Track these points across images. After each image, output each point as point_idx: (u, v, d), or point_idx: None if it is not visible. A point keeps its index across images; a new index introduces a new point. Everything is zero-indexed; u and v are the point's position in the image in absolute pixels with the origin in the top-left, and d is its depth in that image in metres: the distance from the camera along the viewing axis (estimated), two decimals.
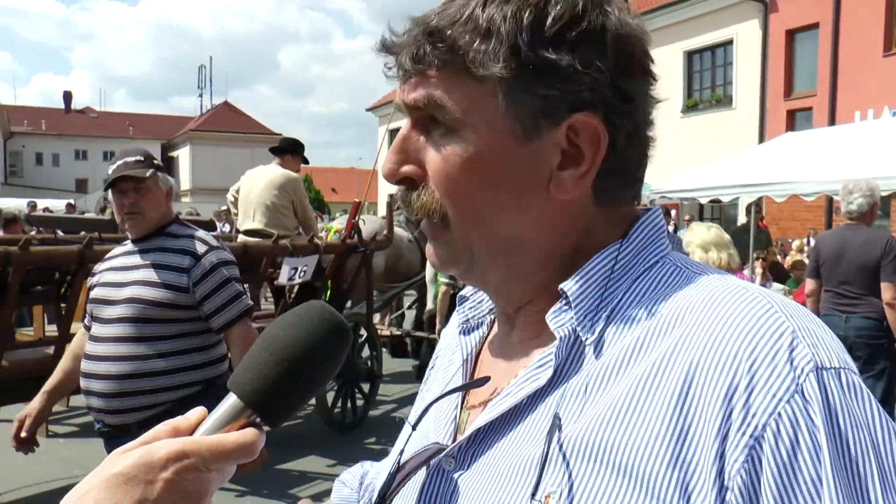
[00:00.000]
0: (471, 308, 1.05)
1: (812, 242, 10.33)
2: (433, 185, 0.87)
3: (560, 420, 0.80)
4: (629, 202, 0.91)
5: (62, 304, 5.39)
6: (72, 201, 33.91)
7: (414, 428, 0.98)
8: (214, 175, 61.51)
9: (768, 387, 0.70)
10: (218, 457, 0.74)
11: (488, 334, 1.02)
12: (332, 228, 9.01)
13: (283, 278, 6.23)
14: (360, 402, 7.19)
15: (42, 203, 38.78)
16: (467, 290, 1.05)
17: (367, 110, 50.55)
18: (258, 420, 0.78)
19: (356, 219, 7.39)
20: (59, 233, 7.07)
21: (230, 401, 0.78)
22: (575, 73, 0.81)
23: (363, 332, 7.30)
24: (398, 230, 8.96)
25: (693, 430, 0.71)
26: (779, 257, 13.67)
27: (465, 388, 0.96)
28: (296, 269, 6.23)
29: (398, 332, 9.49)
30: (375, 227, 8.78)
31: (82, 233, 7.01)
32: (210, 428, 0.77)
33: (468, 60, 0.82)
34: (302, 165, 7.22)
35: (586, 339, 0.82)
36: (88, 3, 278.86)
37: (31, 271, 5.00)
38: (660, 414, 0.73)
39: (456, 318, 1.07)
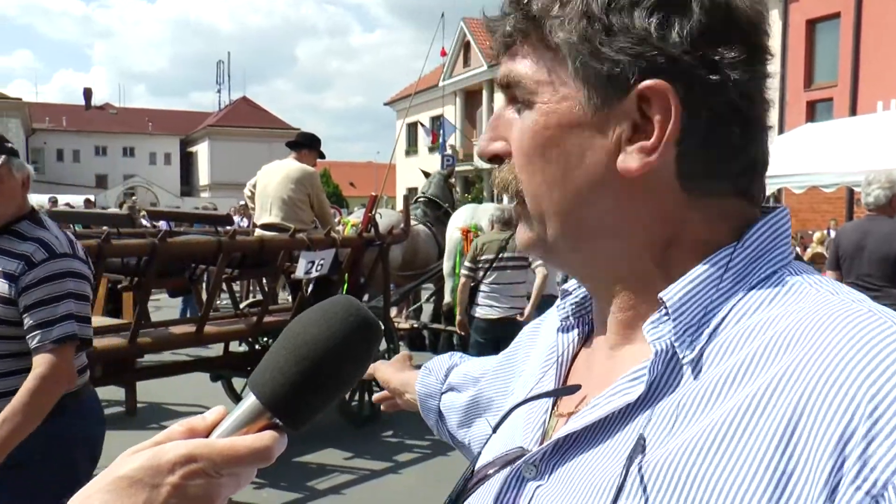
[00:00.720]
0: (572, 304, 0.95)
1: (833, 234, 10.25)
2: (514, 160, 0.84)
3: (644, 442, 0.73)
4: (732, 196, 0.80)
5: None
6: (91, 197, 34.18)
7: (495, 431, 0.93)
8: (233, 170, 61.85)
9: (894, 437, 0.59)
10: (229, 461, 0.69)
11: (589, 335, 0.94)
12: (349, 222, 9.04)
13: (299, 272, 6.24)
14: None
15: (62, 199, 39.17)
16: (570, 284, 0.96)
17: (385, 104, 50.62)
18: (278, 422, 0.73)
19: (373, 212, 7.39)
20: (75, 227, 7.11)
21: (249, 401, 0.73)
22: (648, 37, 0.74)
23: (381, 325, 7.32)
24: (415, 223, 8.98)
25: (796, 477, 0.63)
26: (798, 250, 13.56)
27: (552, 395, 0.89)
28: (312, 262, 6.24)
29: (416, 325, 9.50)
30: (392, 220, 8.78)
31: (104, 227, 7.08)
32: (227, 429, 0.73)
33: (545, 29, 0.78)
34: (319, 160, 7.23)
35: (684, 356, 0.74)
36: (108, 1, 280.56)
37: None
38: (758, 452, 0.65)
39: (555, 313, 0.99)
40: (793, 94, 22.85)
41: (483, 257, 6.75)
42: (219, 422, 0.74)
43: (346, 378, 0.75)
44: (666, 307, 0.76)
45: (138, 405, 7.79)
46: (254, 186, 7.09)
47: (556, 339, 0.95)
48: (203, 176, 66.06)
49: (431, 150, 35.40)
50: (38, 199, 38.11)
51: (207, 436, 0.73)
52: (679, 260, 0.79)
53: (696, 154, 0.76)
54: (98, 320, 5.98)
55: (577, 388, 0.85)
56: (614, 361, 0.83)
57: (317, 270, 6.35)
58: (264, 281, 7.52)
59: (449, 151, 34.67)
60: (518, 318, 6.63)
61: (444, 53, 36.51)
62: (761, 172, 0.82)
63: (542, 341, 1.06)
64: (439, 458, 6.41)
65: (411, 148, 47.10)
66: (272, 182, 6.77)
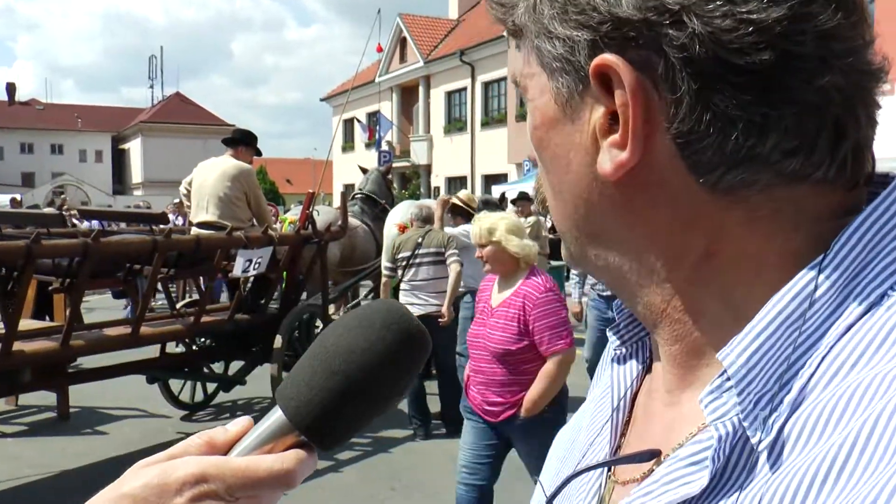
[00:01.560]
0: (626, 325, 0.77)
1: None
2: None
3: None
4: (791, 184, 0.58)
5: (8, 301, 5.29)
6: (17, 196, 33.25)
7: (549, 503, 0.76)
8: (167, 167, 60.76)
9: None
10: (245, 484, 0.62)
11: (650, 364, 0.75)
12: (286, 220, 8.98)
13: (237, 270, 6.19)
14: None
15: None
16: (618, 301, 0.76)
17: (322, 100, 50.22)
18: (306, 441, 0.65)
19: (310, 209, 7.36)
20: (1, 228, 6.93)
21: (275, 415, 0.66)
22: (595, 2, 0.58)
23: (319, 323, 7.30)
24: (353, 220, 8.97)
25: None
26: None
27: (604, 466, 0.72)
28: (250, 261, 6.20)
29: None
30: (330, 217, 8.76)
31: (29, 228, 6.90)
32: (249, 446, 0.66)
33: (516, 16, 0.66)
34: (255, 157, 7.19)
35: (756, 439, 0.54)
36: None
37: None
38: None
39: (611, 341, 0.80)
40: None
41: (400, 255, 6.83)
42: (242, 435, 0.67)
43: (387, 394, 0.66)
44: (728, 374, 0.56)
45: (71, 409, 7.63)
46: (189, 184, 7.02)
47: (611, 375, 0.78)
48: (136, 174, 64.78)
49: (368, 146, 35.33)
50: None
51: (227, 452, 0.66)
52: (730, 281, 0.60)
53: (704, 137, 0.57)
54: (27, 323, 5.84)
55: (632, 458, 0.67)
56: (674, 412, 0.67)
57: (254, 269, 6.30)
58: (201, 280, 7.42)
59: (386, 147, 34.57)
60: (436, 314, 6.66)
61: (379, 49, 36.34)
62: (846, 136, 0.58)
63: (602, 374, 0.85)
64: (380, 456, 6.42)
65: (348, 144, 46.85)
66: (208, 179, 6.70)
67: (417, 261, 6.73)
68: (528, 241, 4.20)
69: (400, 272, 6.79)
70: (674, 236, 0.61)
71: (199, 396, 7.73)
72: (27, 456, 6.51)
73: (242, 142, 6.99)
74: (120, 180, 67.52)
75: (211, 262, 6.25)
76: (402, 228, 8.37)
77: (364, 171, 11.17)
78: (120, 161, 68.02)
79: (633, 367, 0.76)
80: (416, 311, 6.60)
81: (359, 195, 10.36)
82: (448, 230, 7.23)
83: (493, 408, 3.98)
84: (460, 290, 6.94)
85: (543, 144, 0.67)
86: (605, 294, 6.75)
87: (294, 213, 9.17)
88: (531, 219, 10.74)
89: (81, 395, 7.29)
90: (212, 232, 6.53)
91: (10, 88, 67.10)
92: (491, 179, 33.96)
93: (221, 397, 7.75)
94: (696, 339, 0.63)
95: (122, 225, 7.29)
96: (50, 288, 5.50)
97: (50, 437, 7.07)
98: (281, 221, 9.09)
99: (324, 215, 8.49)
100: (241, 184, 6.68)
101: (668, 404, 0.67)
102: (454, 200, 8.07)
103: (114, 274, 5.98)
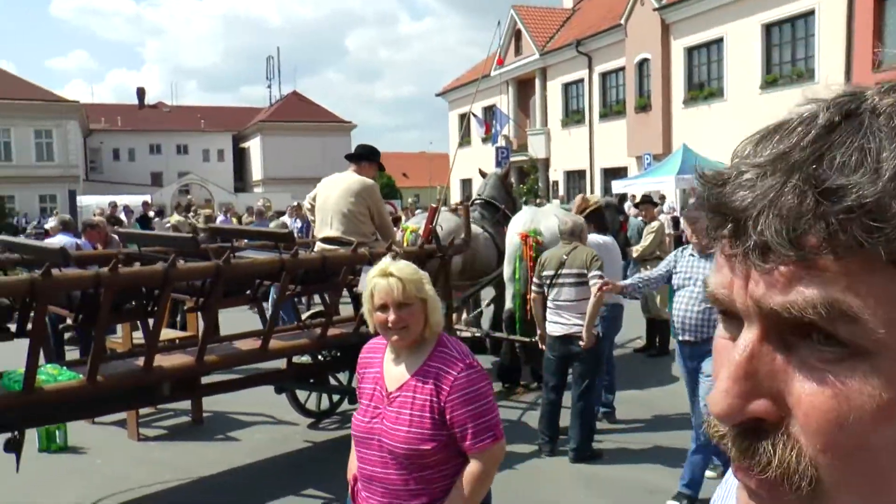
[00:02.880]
0: None
1: None
2: (802, 432, 0.55)
3: None
4: None
5: (150, 320, 5.60)
6: (147, 198, 34.75)
7: None
8: (286, 165, 62.50)
9: None
10: None
11: None
12: (408, 228, 9.07)
13: (361, 286, 6.32)
14: None
15: (120, 199, 40.06)
16: None
17: (437, 95, 50.56)
18: None
19: (434, 223, 7.44)
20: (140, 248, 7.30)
21: None
22: None
23: None
24: (474, 227, 8.97)
25: None
26: None
27: None
28: None
29: (478, 334, 9.52)
30: (452, 226, 8.79)
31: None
32: None
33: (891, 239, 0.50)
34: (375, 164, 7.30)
35: None
36: None
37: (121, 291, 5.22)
38: None
39: None
40: (859, 77, 22.27)
41: (544, 273, 6.74)
42: None
43: None
44: None
45: (204, 414, 8.00)
46: (313, 199, 7.20)
47: None
48: (256, 171, 66.84)
49: (485, 140, 35.34)
50: (97, 201, 39.11)
51: None
52: None
53: None
54: (164, 332, 6.17)
55: None
56: None
57: None
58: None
59: (502, 143, 34.56)
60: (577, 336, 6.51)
61: (500, 62, 36.35)
62: None
63: None
64: (504, 473, 6.42)
65: (465, 139, 47.07)
66: (332, 195, 6.86)
67: (560, 280, 6.60)
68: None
69: (545, 290, 6.75)
70: None
71: (325, 404, 7.96)
72: (167, 460, 6.88)
73: (365, 157, 7.12)
74: (241, 178, 69.83)
75: (336, 278, 6.42)
76: (525, 237, 8.37)
77: (483, 175, 11.18)
78: (241, 159, 70.32)
79: None
80: (559, 330, 6.58)
81: (478, 201, 10.37)
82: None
83: None
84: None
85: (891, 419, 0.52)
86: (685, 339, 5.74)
87: (416, 222, 9.26)
88: (654, 223, 10.55)
89: (213, 400, 7.62)
90: (336, 248, 6.69)
91: (140, 93, 70.58)
92: (610, 173, 33.49)
93: (347, 406, 7.94)
94: None
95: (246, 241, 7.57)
96: (185, 307, 5.76)
97: (186, 442, 7.43)
98: (403, 230, 9.19)
99: (445, 224, 8.52)
100: (365, 199, 6.80)
101: None
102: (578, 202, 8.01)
103: (243, 291, 6.21)
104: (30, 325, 4.99)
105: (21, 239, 6.15)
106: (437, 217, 7.63)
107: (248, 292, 6.26)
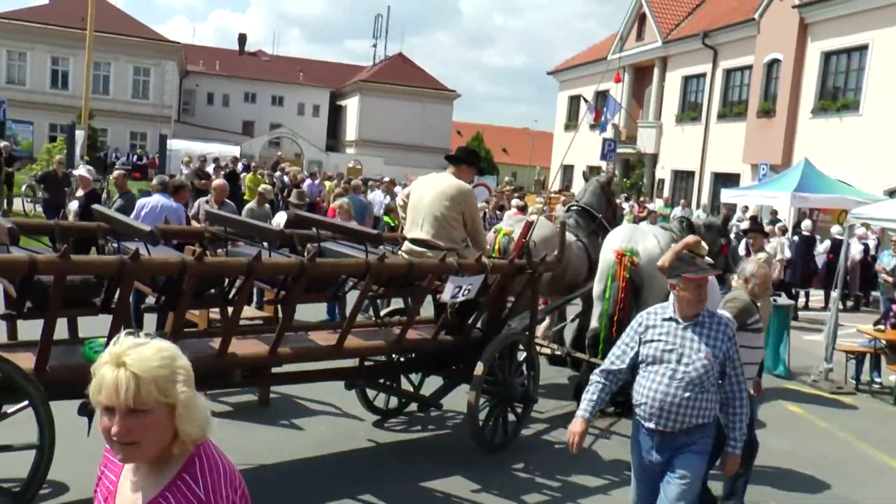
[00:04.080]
0: None
1: None
2: None
3: None
4: None
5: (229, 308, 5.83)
6: (236, 152, 35.82)
7: None
8: (382, 128, 63.08)
9: None
10: None
11: None
12: (501, 231, 9.13)
13: (446, 296, 6.43)
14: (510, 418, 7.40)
15: (210, 148, 41.32)
16: None
17: (548, 74, 50.23)
18: None
19: (528, 238, 7.48)
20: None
21: None
22: None
23: (523, 352, 7.46)
24: (567, 235, 8.93)
25: None
26: None
27: None
28: (460, 287, 6.42)
29: (559, 353, 9.55)
30: (547, 234, 8.80)
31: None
32: None
33: None
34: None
35: None
36: None
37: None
38: None
39: None
40: None
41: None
42: None
43: None
44: None
45: (271, 396, 8.25)
46: (406, 196, 7.31)
47: None
48: (351, 131, 67.61)
49: (593, 127, 34.88)
50: (187, 147, 40.25)
51: None
52: None
53: None
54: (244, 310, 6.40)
55: None
56: None
57: (463, 295, 6.53)
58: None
59: (610, 133, 34.16)
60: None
61: (618, 79, 36.10)
62: None
63: None
64: None
65: (571, 123, 46.72)
66: (426, 197, 6.95)
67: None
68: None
69: None
70: None
71: (394, 403, 8.13)
72: (229, 441, 7.09)
73: (465, 160, 7.19)
74: (334, 136, 70.82)
75: (421, 284, 6.54)
76: (620, 256, 8.34)
77: (586, 178, 11.16)
78: (336, 117, 71.21)
79: None
80: None
81: (575, 207, 10.36)
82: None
83: None
84: None
85: None
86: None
87: (509, 225, 9.31)
88: (762, 254, 10.34)
89: None
90: (423, 250, 6.81)
91: (242, 39, 72.08)
92: (721, 179, 32.81)
93: (413, 407, 8.07)
94: None
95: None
96: (265, 300, 5.95)
97: (251, 424, 7.66)
98: (495, 232, 9.25)
99: (539, 230, 8.53)
100: (460, 204, 6.87)
101: None
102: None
103: (325, 289, 6.38)
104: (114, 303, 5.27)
105: (114, 213, 6.44)
106: (532, 230, 7.66)
107: (330, 290, 6.44)
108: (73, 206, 11.82)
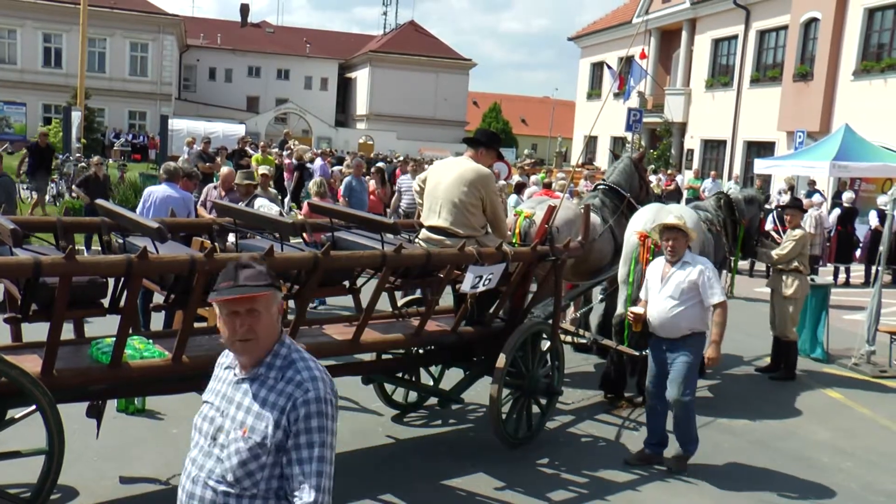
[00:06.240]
0: None
1: None
2: None
3: None
4: None
5: None
6: (242, 131, 35.81)
7: None
8: (394, 101, 62.99)
9: None
10: None
11: None
12: (522, 213, 9.15)
13: (466, 286, 6.49)
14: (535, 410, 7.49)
15: (214, 126, 41.39)
16: None
17: (569, 39, 50.01)
18: None
19: (550, 223, 7.52)
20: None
21: None
22: None
23: (546, 341, 7.52)
24: (592, 216, 8.93)
25: None
26: None
27: None
28: (480, 277, 6.48)
29: (585, 340, 9.62)
30: (570, 216, 8.82)
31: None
32: None
33: None
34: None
35: None
36: None
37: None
38: None
39: None
40: None
41: None
42: None
43: None
44: None
45: None
46: (423, 181, 7.34)
47: None
48: (361, 105, 67.56)
49: (617, 96, 34.74)
50: (189, 127, 40.32)
51: None
52: None
53: None
54: None
55: None
56: None
57: (484, 285, 6.60)
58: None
59: (635, 103, 34.01)
60: None
61: (644, 56, 35.72)
62: None
63: None
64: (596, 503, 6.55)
65: (594, 91, 46.55)
66: (443, 182, 6.98)
67: None
68: None
69: None
70: None
71: (413, 397, 8.22)
72: None
73: (484, 144, 7.20)
74: (343, 111, 70.85)
75: (438, 274, 6.61)
76: (643, 238, 8.34)
77: (616, 156, 11.14)
78: (345, 91, 71.17)
79: None
80: None
81: (601, 186, 10.37)
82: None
83: None
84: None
85: None
86: None
87: (529, 207, 9.32)
88: (797, 231, 10.35)
89: None
90: (442, 238, 6.87)
91: (244, 10, 71.97)
92: (754, 147, 32.69)
93: (433, 400, 8.14)
94: None
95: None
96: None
97: None
98: (516, 214, 9.27)
99: (563, 212, 8.53)
100: (479, 190, 6.89)
101: None
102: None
103: (340, 282, 6.47)
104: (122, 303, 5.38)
105: (120, 209, 6.53)
106: (555, 216, 7.70)
107: (345, 283, 6.52)
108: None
